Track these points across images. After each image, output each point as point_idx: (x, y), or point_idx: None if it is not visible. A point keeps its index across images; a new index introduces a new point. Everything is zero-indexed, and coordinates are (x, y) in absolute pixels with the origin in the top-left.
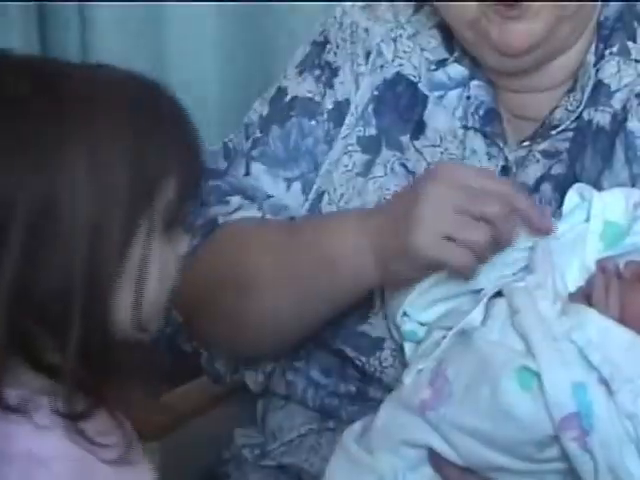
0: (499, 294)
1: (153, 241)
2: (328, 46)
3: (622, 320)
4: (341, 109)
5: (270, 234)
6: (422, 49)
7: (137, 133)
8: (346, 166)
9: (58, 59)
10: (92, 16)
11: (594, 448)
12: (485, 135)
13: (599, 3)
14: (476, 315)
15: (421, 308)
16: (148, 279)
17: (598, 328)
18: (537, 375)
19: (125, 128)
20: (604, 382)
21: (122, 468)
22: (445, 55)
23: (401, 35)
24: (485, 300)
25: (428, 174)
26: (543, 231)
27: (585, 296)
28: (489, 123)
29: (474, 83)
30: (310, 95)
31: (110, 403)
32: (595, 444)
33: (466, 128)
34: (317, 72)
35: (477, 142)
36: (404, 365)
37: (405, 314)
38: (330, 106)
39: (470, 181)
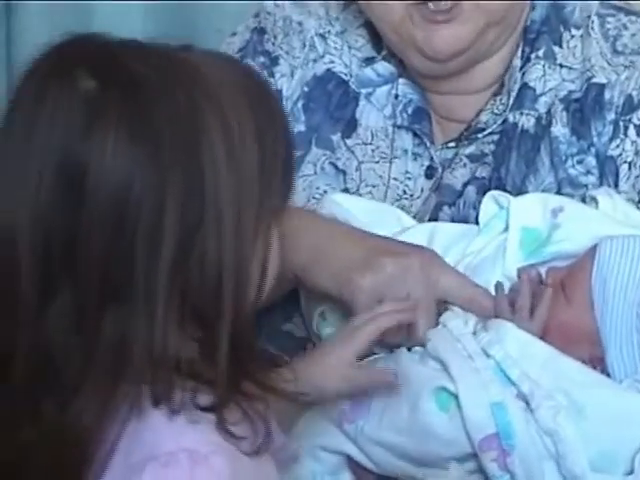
0: None
1: (274, 220)
2: (266, 36)
3: (543, 329)
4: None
5: None
6: (350, 47)
7: (258, 115)
8: None
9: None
10: (19, 10)
11: (515, 468)
12: (414, 134)
13: (527, 8)
14: None
15: (340, 312)
16: (271, 259)
17: (517, 342)
18: (455, 396)
19: (249, 111)
20: (523, 398)
21: (259, 460)
22: (373, 53)
23: (329, 32)
24: None
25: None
26: None
27: (509, 303)
28: (418, 122)
29: (402, 81)
30: None
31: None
32: (516, 464)
33: (396, 127)
34: (261, 59)
35: (406, 141)
36: None
37: (323, 318)
38: None
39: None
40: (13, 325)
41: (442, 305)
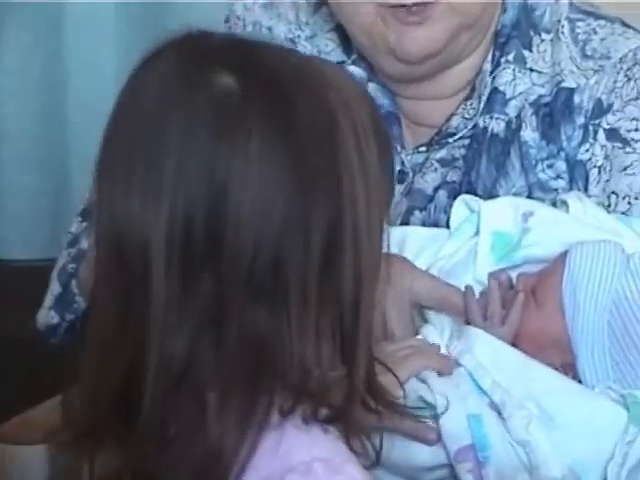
0: None
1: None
2: None
3: (516, 335)
4: None
5: None
6: (320, 52)
7: (372, 118)
8: None
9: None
10: None
11: (489, 479)
12: None
13: (498, 12)
14: None
15: None
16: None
17: (487, 351)
18: (432, 406)
19: (367, 114)
20: (495, 408)
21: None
22: (343, 57)
23: (299, 36)
24: None
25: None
26: None
27: (481, 308)
28: (388, 126)
29: (372, 85)
30: None
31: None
32: (490, 475)
33: None
34: None
35: None
36: None
37: None
38: None
39: None
40: (143, 335)
41: (418, 309)
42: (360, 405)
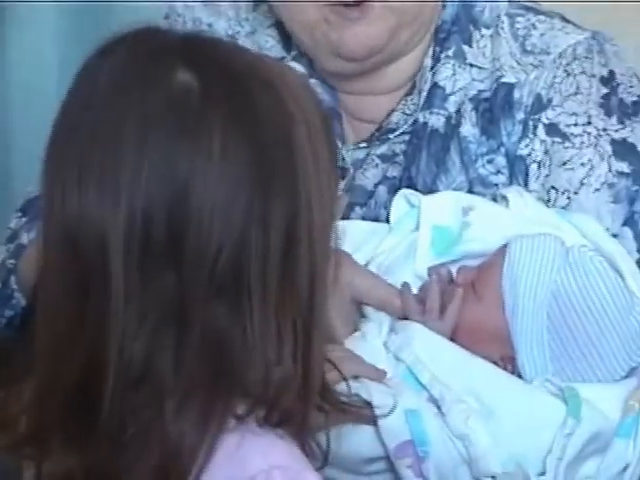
0: None
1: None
2: None
3: (453, 329)
4: None
5: None
6: (260, 48)
7: (320, 112)
8: None
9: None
10: None
11: (429, 474)
12: None
13: (440, 7)
14: None
15: None
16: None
17: (426, 345)
18: (370, 404)
19: (316, 107)
20: (434, 402)
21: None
22: (283, 54)
23: (239, 33)
24: None
25: None
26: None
27: (419, 302)
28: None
29: (312, 81)
30: None
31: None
32: (430, 470)
33: None
34: None
35: None
36: None
37: None
38: None
39: None
40: (102, 332)
41: (357, 305)
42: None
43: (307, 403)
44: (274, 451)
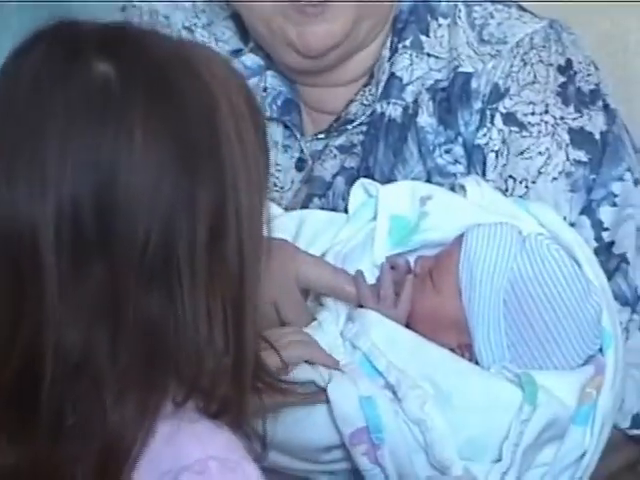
0: None
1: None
2: None
3: (411, 317)
4: None
5: None
6: (217, 40)
7: (248, 98)
8: None
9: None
10: None
11: (385, 461)
12: (285, 125)
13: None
14: None
15: None
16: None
17: (382, 332)
18: (324, 390)
19: (243, 94)
20: (390, 388)
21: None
22: (240, 45)
23: (196, 24)
24: None
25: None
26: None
27: (374, 291)
28: (288, 114)
29: (270, 73)
30: None
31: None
32: (386, 457)
33: (266, 119)
34: None
35: (277, 133)
36: None
37: None
38: None
39: None
40: (38, 326)
41: (312, 294)
42: (250, 392)
43: (242, 385)
44: (211, 441)
